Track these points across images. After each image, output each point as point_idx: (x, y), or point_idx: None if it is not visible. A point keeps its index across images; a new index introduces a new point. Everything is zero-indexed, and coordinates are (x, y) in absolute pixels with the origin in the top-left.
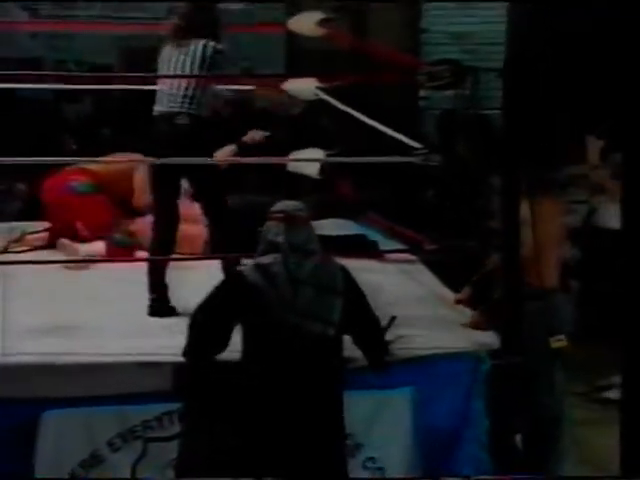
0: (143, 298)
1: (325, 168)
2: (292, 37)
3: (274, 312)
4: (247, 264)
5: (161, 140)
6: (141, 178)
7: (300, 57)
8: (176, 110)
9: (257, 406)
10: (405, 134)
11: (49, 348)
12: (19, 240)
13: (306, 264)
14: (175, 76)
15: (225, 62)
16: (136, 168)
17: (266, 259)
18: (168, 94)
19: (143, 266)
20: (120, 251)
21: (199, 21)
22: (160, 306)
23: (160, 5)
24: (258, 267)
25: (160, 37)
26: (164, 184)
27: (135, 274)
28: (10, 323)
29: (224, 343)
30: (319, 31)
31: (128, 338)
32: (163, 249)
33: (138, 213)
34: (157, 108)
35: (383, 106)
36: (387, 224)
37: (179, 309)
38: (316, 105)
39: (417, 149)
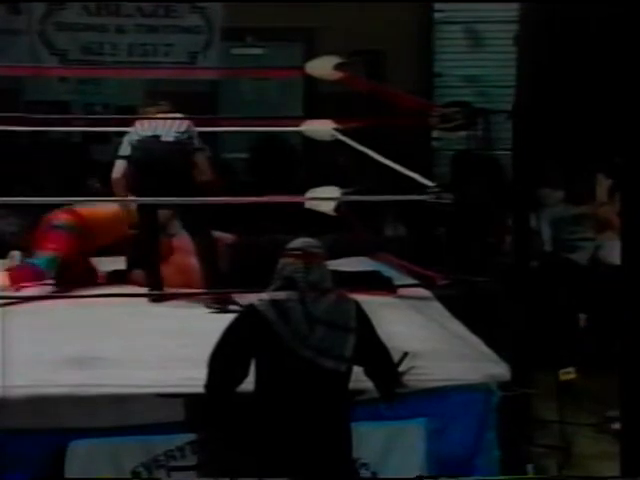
0: (164, 330)
1: (340, 206)
2: (310, 80)
3: (289, 348)
4: (262, 299)
5: (147, 153)
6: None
7: (317, 100)
8: (164, 131)
9: (270, 437)
10: (418, 173)
11: (75, 379)
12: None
13: (322, 302)
14: (207, 117)
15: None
16: None
17: (282, 295)
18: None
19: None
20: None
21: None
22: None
23: (182, 51)
24: (274, 303)
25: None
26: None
27: (152, 307)
28: (37, 355)
29: (242, 376)
30: (336, 75)
31: (151, 370)
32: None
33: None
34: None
35: (397, 147)
36: (399, 262)
37: (201, 341)
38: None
39: (430, 187)
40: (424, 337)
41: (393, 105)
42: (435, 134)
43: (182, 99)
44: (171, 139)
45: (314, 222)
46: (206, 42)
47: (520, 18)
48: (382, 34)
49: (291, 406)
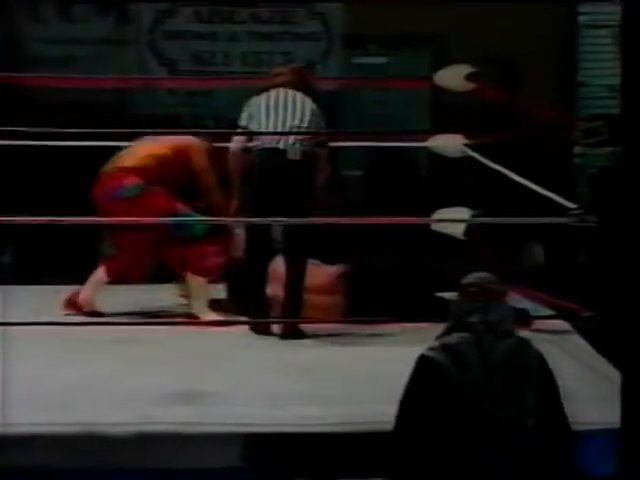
0: (270, 364)
1: (470, 229)
2: (438, 92)
3: (466, 398)
4: (434, 345)
5: (270, 172)
6: (204, 162)
7: (446, 113)
8: (289, 145)
9: None
10: (558, 193)
11: (181, 416)
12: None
13: (501, 345)
14: (329, 132)
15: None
16: (194, 152)
17: (456, 338)
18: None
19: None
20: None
21: (302, 84)
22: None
23: (299, 60)
24: (447, 347)
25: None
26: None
27: (258, 339)
28: (143, 389)
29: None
30: (467, 85)
31: (260, 407)
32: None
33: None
34: (264, 144)
35: (535, 164)
36: (534, 292)
37: (311, 379)
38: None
39: (572, 209)
40: (562, 375)
41: (531, 118)
42: (577, 150)
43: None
44: (295, 157)
45: (437, 246)
46: (325, 50)
47: None
48: (519, 40)
49: (465, 458)
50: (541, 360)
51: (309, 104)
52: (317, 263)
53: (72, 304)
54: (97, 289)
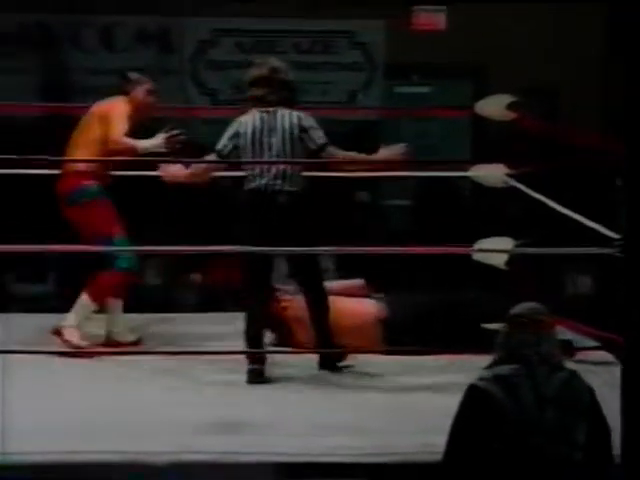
0: (310, 395)
1: (513, 259)
2: (479, 121)
3: (517, 431)
4: (484, 376)
5: (260, 216)
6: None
7: (488, 142)
8: (277, 188)
9: None
10: (604, 223)
11: (220, 445)
12: None
13: (554, 379)
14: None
15: (311, 137)
16: (114, 114)
17: (507, 370)
18: (262, 171)
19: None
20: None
21: (280, 90)
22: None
23: (340, 90)
24: (499, 379)
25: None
26: (259, 263)
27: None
28: (181, 418)
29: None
30: (509, 115)
31: (300, 437)
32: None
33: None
34: (253, 184)
35: (577, 194)
36: (577, 323)
37: (350, 409)
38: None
39: (616, 240)
40: (605, 406)
41: (575, 146)
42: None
43: (337, 141)
44: (283, 201)
45: (477, 277)
46: (367, 80)
47: None
48: (562, 69)
49: None
50: (592, 394)
51: (291, 125)
52: (357, 284)
53: (73, 347)
54: (86, 319)
